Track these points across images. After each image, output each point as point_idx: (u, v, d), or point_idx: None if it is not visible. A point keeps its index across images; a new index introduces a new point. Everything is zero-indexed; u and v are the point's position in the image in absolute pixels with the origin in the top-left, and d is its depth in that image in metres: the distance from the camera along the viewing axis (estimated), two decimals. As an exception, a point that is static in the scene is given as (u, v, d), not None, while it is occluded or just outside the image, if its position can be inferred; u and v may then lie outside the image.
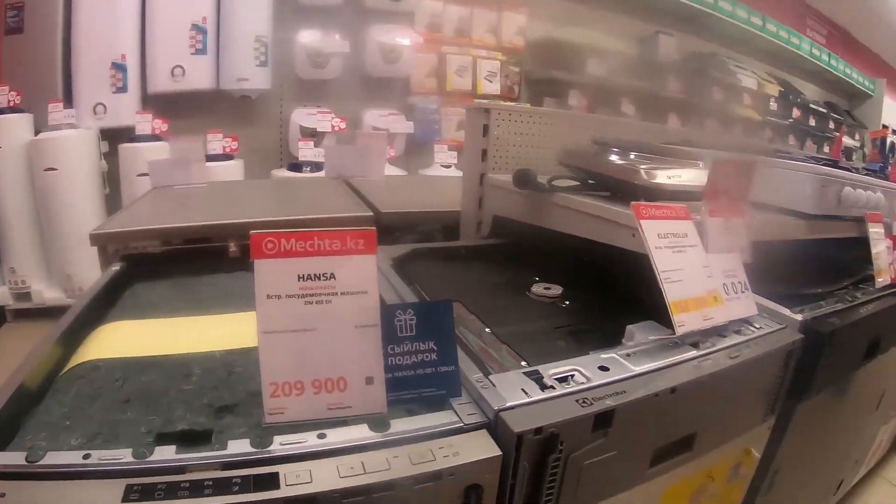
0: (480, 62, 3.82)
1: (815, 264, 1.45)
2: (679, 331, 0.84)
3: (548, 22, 4.02)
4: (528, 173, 1.23)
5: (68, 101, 3.20)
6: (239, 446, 0.63)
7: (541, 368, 0.76)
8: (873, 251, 1.42)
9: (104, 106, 3.23)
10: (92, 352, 0.90)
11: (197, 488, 0.57)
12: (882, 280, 1.43)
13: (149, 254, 1.36)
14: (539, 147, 1.55)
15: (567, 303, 1.16)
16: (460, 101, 3.75)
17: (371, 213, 1.56)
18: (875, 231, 1.44)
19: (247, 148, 3.24)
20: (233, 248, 1.37)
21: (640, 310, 0.95)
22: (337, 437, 0.64)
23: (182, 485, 0.58)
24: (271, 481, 0.58)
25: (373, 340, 0.67)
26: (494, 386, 0.72)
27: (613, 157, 1.12)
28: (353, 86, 3.58)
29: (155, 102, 3.28)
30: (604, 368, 0.78)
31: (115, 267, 1.25)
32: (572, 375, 0.76)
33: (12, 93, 3.08)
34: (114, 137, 3.22)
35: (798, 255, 1.33)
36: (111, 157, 3.23)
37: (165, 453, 0.62)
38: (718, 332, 0.92)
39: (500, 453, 0.64)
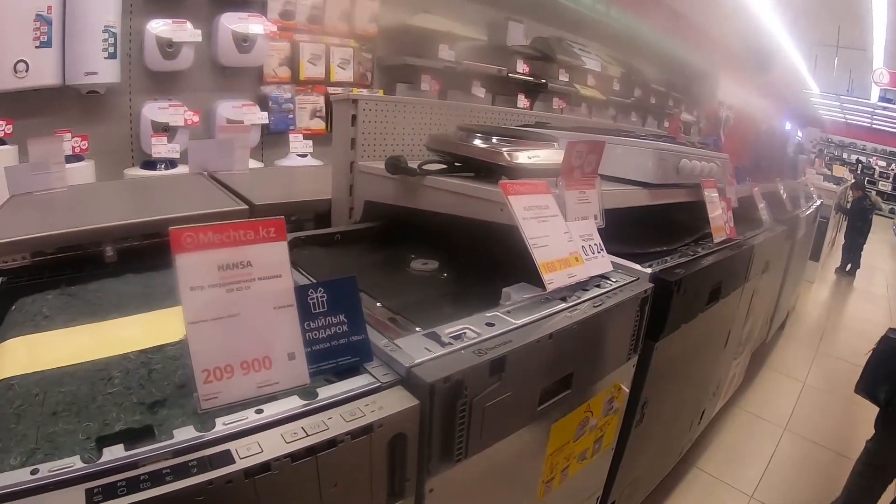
0: (333, 50, 3.84)
1: (661, 226, 1.70)
2: (549, 287, 1.01)
3: (400, 9, 4.13)
4: (400, 159, 1.35)
5: None
6: (185, 433, 0.69)
7: (437, 330, 0.90)
8: (710, 212, 1.70)
9: (-59, 108, 2.93)
10: None
11: (157, 478, 0.62)
12: (719, 236, 1.72)
13: (24, 266, 1.33)
14: (404, 134, 1.68)
15: (445, 274, 1.31)
16: (314, 90, 3.79)
17: (246, 207, 1.60)
18: (710, 195, 1.72)
19: (97, 147, 3.05)
20: (109, 252, 1.37)
21: (509, 274, 1.12)
22: (273, 409, 0.73)
23: (142, 478, 0.62)
24: (226, 458, 0.66)
25: (291, 319, 0.77)
26: (401, 348, 0.85)
27: (478, 142, 1.28)
28: (205, 77, 3.45)
29: (-4, 102, 3.02)
30: (490, 324, 0.93)
31: (-6, 281, 1.22)
32: (464, 333, 0.90)
33: None
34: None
35: (646, 219, 1.56)
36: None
37: (115, 453, 0.66)
38: (582, 286, 1.11)
39: (418, 402, 0.77)
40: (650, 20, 6.50)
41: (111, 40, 3.06)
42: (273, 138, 3.68)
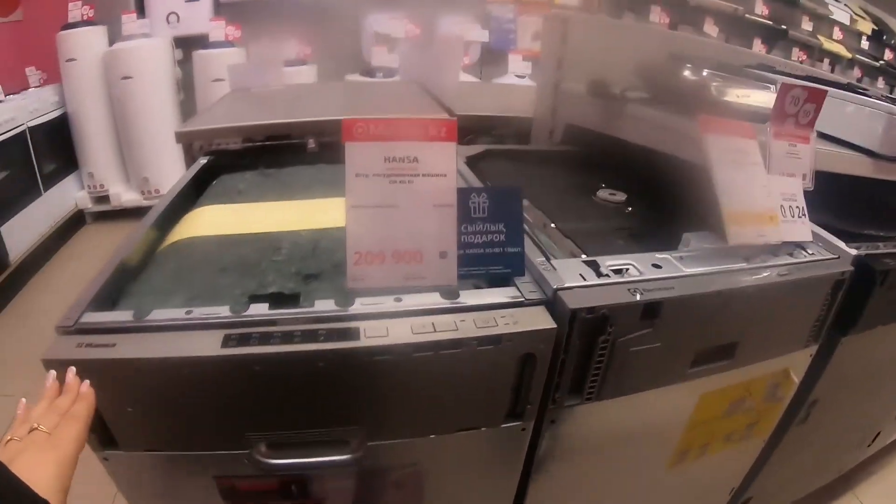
0: (561, -29, 3.71)
1: (881, 206, 1.45)
2: (731, 241, 0.89)
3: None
4: (603, 83, 1.28)
5: (141, 11, 3.33)
6: (325, 305, 0.73)
7: (599, 259, 0.84)
8: (945, 203, 1.42)
9: (177, 15, 3.35)
10: (187, 231, 1.02)
11: (287, 337, 0.68)
12: (951, 233, 1.43)
13: (232, 150, 1.45)
14: (614, 60, 1.54)
15: (630, 209, 1.21)
16: (537, 11, 3.70)
17: (446, 115, 1.58)
18: (951, 180, 1.43)
19: (320, 53, 3.30)
20: (311, 143, 1.45)
21: (699, 221, 0.99)
22: (411, 301, 0.74)
23: (274, 334, 0.68)
24: (353, 334, 0.69)
25: (449, 219, 0.75)
26: (555, 269, 0.80)
27: (686, 73, 1.16)
28: (429, -8, 3.56)
29: (228, 10, 3.37)
30: (657, 266, 0.85)
31: (203, 160, 1.36)
32: (627, 269, 0.83)
33: (85, 7, 3.24)
34: (187, 45, 3.36)
35: (865, 194, 1.34)
36: (184, 64, 3.37)
37: (259, 309, 0.72)
38: (771, 251, 0.97)
39: (555, 326, 0.73)
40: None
41: (339, -48, 3.23)
42: (493, 57, 3.69)
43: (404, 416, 0.76)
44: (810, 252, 1.03)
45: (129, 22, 3.25)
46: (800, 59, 4.64)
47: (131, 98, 3.22)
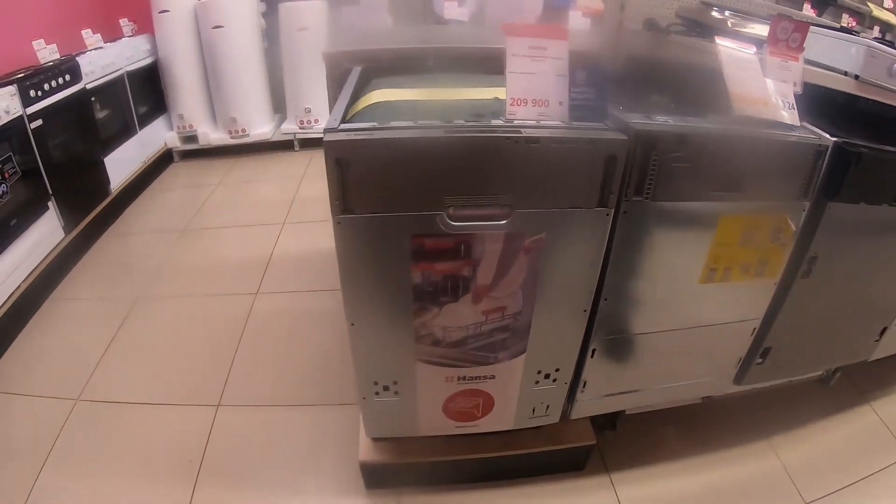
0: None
1: (867, 122, 2.02)
2: (736, 111, 1.66)
3: None
4: (654, 21, 2.08)
5: (227, -33, 4.23)
6: (497, 122, 1.53)
7: (650, 115, 1.62)
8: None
9: (261, -31, 4.26)
10: (374, 99, 1.75)
11: (481, 132, 1.46)
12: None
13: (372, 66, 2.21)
14: (662, 6, 2.37)
15: (673, 105, 1.99)
16: None
17: None
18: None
19: (394, 8, 4.04)
20: (430, 62, 2.22)
21: (718, 112, 1.74)
22: (546, 124, 1.53)
23: (473, 130, 1.47)
24: (516, 131, 1.47)
25: (564, 83, 1.54)
26: (627, 115, 1.59)
27: (714, 13, 1.95)
28: (493, -54, 4.26)
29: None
30: (686, 122, 1.63)
31: (358, 67, 2.15)
32: (668, 120, 1.61)
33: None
34: (271, -1, 4.27)
35: (854, 112, 2.00)
36: (267, 16, 4.28)
37: (460, 123, 1.51)
38: (768, 124, 1.72)
39: (626, 138, 1.51)
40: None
41: None
42: (552, 14, 4.37)
43: (539, 192, 1.52)
44: (797, 133, 1.73)
45: (218, -25, 4.15)
46: (850, 25, 5.20)
47: (222, 45, 4.14)
